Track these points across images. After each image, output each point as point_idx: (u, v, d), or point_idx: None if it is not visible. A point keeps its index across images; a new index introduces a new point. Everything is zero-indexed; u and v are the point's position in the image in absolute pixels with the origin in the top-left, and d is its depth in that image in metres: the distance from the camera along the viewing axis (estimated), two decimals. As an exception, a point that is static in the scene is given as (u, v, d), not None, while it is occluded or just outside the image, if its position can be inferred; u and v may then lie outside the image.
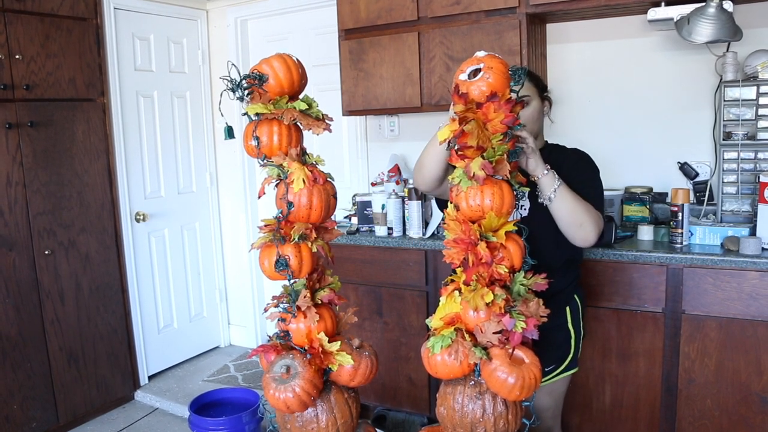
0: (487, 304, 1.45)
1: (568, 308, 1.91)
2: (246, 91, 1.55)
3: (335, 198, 1.65)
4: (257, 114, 1.57)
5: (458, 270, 1.55)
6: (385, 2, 2.86)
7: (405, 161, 3.30)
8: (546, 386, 1.92)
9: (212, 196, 4.02)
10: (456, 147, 1.48)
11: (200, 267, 3.96)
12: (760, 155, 2.32)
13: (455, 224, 1.52)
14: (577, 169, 1.84)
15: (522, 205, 1.84)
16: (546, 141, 1.99)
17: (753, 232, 2.25)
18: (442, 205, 1.87)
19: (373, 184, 3.06)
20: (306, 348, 1.62)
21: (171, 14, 3.65)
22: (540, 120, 1.90)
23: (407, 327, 2.81)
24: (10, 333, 2.85)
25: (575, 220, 1.72)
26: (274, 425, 1.75)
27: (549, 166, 1.69)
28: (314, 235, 1.60)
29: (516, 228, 1.54)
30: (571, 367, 1.93)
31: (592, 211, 1.73)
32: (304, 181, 1.55)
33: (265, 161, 1.60)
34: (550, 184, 1.68)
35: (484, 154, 1.47)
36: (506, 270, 1.48)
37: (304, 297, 1.59)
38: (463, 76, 1.50)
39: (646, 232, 2.43)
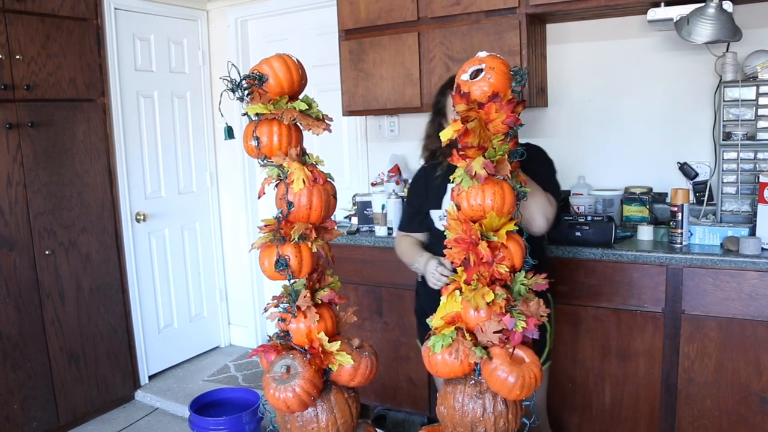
0: (487, 304, 1.46)
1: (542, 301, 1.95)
2: (246, 92, 1.55)
3: (335, 198, 1.66)
4: (257, 114, 1.58)
5: (459, 269, 1.55)
6: (385, 2, 2.86)
7: (405, 161, 3.30)
8: None
9: (212, 196, 4.02)
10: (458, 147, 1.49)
11: (200, 267, 3.97)
12: (760, 155, 2.32)
13: (456, 224, 1.52)
14: (534, 161, 1.89)
15: None
16: None
17: (752, 232, 2.26)
18: None
19: (373, 184, 3.07)
20: (306, 348, 1.62)
21: (171, 14, 3.65)
22: None
23: (407, 327, 2.81)
24: (10, 333, 2.85)
25: (527, 212, 1.82)
26: (274, 425, 1.75)
27: None
28: (314, 235, 1.60)
29: (517, 228, 1.54)
30: (547, 359, 2.00)
31: (542, 196, 1.84)
32: (304, 181, 1.55)
33: (265, 161, 1.60)
34: None
35: (485, 153, 1.48)
36: (507, 269, 1.49)
37: (304, 297, 1.60)
38: (465, 77, 1.51)
39: (645, 232, 2.44)
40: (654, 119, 2.73)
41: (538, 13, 2.58)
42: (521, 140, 1.99)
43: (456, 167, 1.98)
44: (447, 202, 2.03)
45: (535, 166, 1.90)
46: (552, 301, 2.02)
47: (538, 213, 1.83)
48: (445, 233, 1.99)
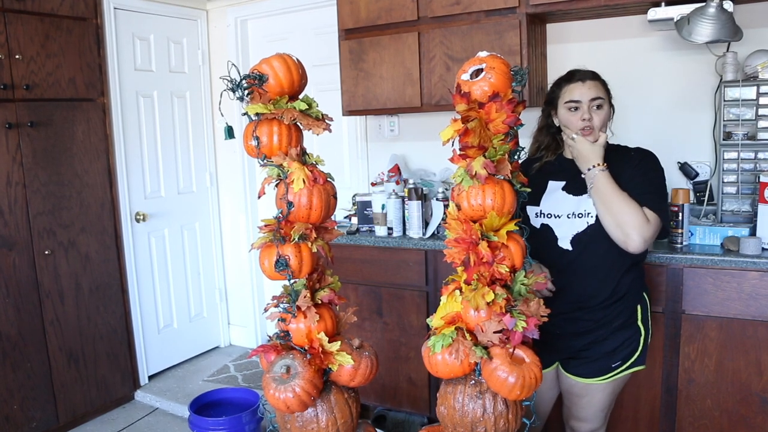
0: (487, 304, 1.46)
1: (639, 306, 1.94)
2: (246, 91, 1.55)
3: (335, 198, 1.65)
4: (257, 114, 1.57)
5: (459, 269, 1.55)
6: (385, 2, 2.86)
7: (405, 161, 3.30)
8: (609, 385, 1.94)
9: (212, 196, 4.02)
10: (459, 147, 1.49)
11: (200, 267, 3.96)
12: (760, 155, 2.32)
13: (457, 224, 1.52)
14: (637, 167, 1.86)
15: (588, 213, 1.87)
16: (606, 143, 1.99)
17: (753, 232, 2.26)
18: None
19: (373, 184, 3.06)
20: (306, 348, 1.62)
21: (171, 14, 3.65)
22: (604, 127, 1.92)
23: (407, 327, 2.81)
24: (10, 333, 2.85)
25: (612, 220, 1.78)
26: (274, 425, 1.75)
27: (597, 165, 1.81)
28: (314, 235, 1.60)
29: (517, 228, 1.54)
30: (637, 364, 1.95)
31: (635, 212, 1.75)
32: (304, 181, 1.55)
33: (265, 161, 1.60)
34: (588, 182, 1.82)
35: (486, 153, 1.48)
36: (507, 269, 1.48)
37: (304, 297, 1.59)
38: (465, 76, 1.51)
39: (646, 232, 2.43)
40: (654, 119, 2.73)
41: (538, 12, 2.58)
42: (631, 146, 1.99)
43: (554, 164, 2.00)
44: (545, 200, 1.97)
45: (637, 173, 1.85)
46: (648, 302, 1.98)
47: (634, 232, 1.74)
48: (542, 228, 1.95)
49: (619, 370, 1.92)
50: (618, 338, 1.90)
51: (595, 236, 1.84)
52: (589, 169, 1.84)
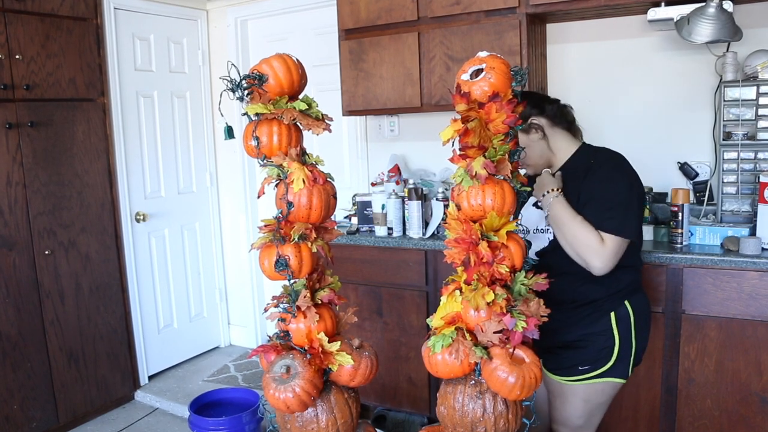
0: (488, 304, 1.46)
1: (613, 314, 1.84)
2: (246, 91, 1.55)
3: (335, 198, 1.65)
4: (257, 114, 1.57)
5: (459, 269, 1.55)
6: (385, 2, 2.86)
7: (405, 161, 3.30)
8: (581, 389, 1.88)
9: (212, 196, 4.02)
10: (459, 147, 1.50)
11: (200, 267, 3.96)
12: (760, 155, 2.32)
13: (456, 224, 1.52)
14: (593, 181, 1.79)
15: (549, 229, 1.85)
16: (583, 143, 1.97)
17: (753, 232, 2.26)
18: None
19: (373, 184, 3.06)
20: (306, 348, 1.62)
21: (171, 14, 3.65)
22: (536, 150, 1.89)
23: (407, 327, 2.81)
24: (10, 333, 2.85)
25: (570, 248, 1.76)
26: (274, 425, 1.75)
27: (552, 191, 1.79)
28: (314, 235, 1.60)
29: (517, 228, 1.54)
30: (609, 374, 1.85)
31: (590, 238, 1.71)
32: (304, 181, 1.55)
33: (265, 161, 1.60)
34: (544, 208, 1.82)
35: (486, 153, 1.48)
36: (507, 269, 1.48)
37: (304, 297, 1.59)
38: (465, 76, 1.51)
39: (646, 232, 2.43)
40: (654, 119, 2.73)
41: (538, 12, 2.58)
42: (596, 145, 1.95)
43: (536, 176, 1.96)
44: (521, 213, 1.97)
45: (591, 189, 1.77)
46: (632, 311, 1.86)
47: (593, 259, 1.70)
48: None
49: (588, 375, 1.85)
50: (587, 342, 1.85)
51: (556, 251, 1.82)
52: (543, 195, 1.82)
